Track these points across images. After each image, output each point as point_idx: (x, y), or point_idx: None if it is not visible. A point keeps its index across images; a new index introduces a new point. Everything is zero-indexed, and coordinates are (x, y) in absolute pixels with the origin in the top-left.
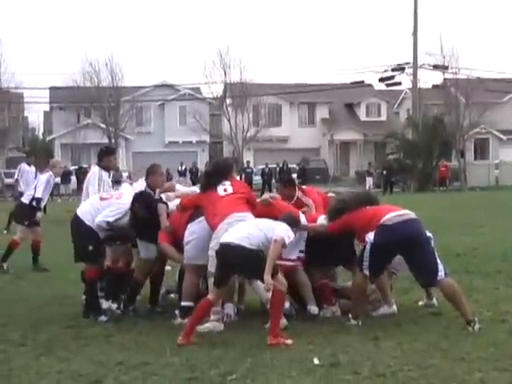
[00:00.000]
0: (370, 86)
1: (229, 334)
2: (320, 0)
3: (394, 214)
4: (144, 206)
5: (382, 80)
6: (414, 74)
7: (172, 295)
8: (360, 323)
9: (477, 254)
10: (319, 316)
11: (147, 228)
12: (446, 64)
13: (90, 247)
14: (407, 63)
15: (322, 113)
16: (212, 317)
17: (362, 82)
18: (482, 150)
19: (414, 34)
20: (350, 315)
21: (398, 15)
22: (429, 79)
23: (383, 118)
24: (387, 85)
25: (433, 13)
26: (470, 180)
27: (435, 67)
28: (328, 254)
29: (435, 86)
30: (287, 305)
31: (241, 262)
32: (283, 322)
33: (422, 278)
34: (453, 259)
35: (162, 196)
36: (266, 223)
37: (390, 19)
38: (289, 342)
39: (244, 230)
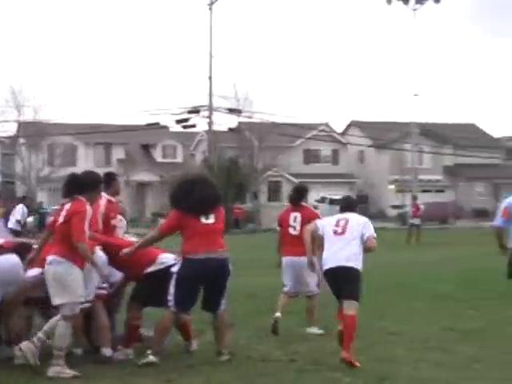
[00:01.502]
0: (165, 127)
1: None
2: (117, 41)
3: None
4: None
5: (178, 122)
6: (210, 117)
7: None
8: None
9: (271, 295)
10: (112, 358)
11: None
12: (240, 108)
13: None
14: (203, 106)
15: (118, 153)
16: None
17: (158, 123)
18: (275, 192)
19: (210, 77)
20: (149, 351)
21: (194, 58)
22: (224, 122)
23: (179, 159)
24: (183, 127)
25: (228, 57)
26: (264, 222)
27: (230, 111)
28: (158, 296)
29: (230, 129)
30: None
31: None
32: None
33: (208, 306)
34: (247, 300)
35: None
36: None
37: (187, 62)
38: (357, 364)
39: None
